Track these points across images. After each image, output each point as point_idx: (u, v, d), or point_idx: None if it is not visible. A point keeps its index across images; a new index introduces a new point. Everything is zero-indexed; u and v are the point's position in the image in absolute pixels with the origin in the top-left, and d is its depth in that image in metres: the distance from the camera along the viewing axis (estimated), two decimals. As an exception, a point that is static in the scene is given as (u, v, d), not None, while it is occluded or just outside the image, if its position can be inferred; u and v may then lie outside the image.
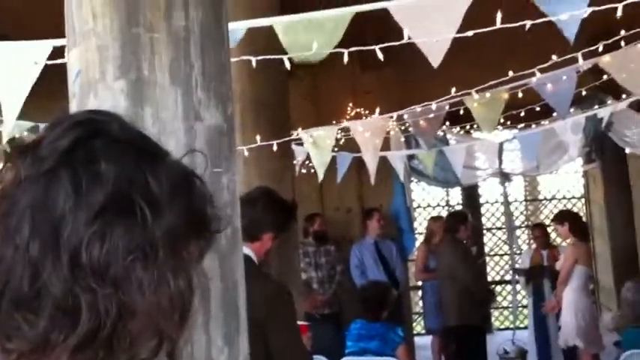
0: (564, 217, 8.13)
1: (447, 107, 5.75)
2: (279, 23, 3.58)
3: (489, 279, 12.48)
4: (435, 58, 3.31)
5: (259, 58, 3.63)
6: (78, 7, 1.92)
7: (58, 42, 3.39)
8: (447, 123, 8.45)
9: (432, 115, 5.84)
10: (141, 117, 1.89)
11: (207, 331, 1.96)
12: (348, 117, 8.86)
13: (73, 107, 1.94)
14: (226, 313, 2.01)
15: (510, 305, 11.76)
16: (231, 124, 2.11)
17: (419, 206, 12.67)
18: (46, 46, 3.68)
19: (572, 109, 7.99)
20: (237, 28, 3.52)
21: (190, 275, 0.86)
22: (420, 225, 11.93)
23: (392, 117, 6.41)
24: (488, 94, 4.89)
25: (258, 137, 5.02)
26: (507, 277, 12.19)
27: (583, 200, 12.83)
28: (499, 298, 12.43)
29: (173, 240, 0.83)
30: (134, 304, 0.80)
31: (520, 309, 11.96)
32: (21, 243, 0.79)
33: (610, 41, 4.18)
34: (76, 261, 0.78)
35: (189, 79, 1.95)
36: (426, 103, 5.74)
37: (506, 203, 10.44)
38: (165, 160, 0.88)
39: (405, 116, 6.22)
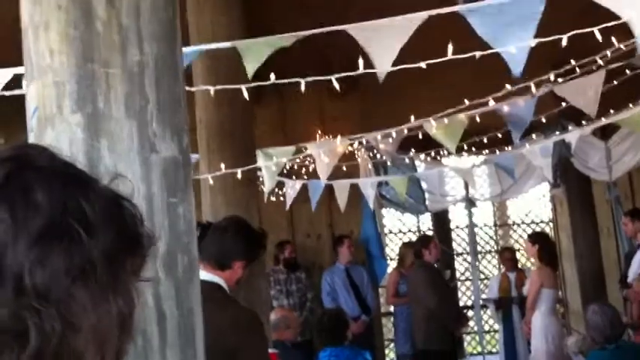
0: (538, 238, 8.22)
1: (405, 132, 5.87)
2: (240, 45, 3.61)
3: (460, 304, 12.53)
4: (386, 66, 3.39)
5: (218, 87, 3.69)
6: (35, 43, 1.98)
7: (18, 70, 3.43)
8: (413, 150, 8.55)
9: (390, 140, 5.94)
10: (97, 149, 1.95)
11: (164, 358, 2.00)
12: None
13: (32, 141, 1.99)
14: (183, 340, 2.04)
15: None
16: (187, 154, 2.16)
17: (390, 232, 12.74)
18: (6, 74, 3.72)
19: (534, 136, 8.15)
20: (194, 50, 3.55)
21: (129, 291, 0.90)
22: (393, 251, 11.98)
23: (352, 142, 6.51)
24: (446, 120, 5.00)
25: (222, 165, 5.07)
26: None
27: (551, 225, 12.98)
28: (471, 323, 12.50)
29: (110, 259, 0.87)
30: (78, 321, 0.83)
31: (492, 334, 12.01)
32: None
33: (562, 70, 4.30)
34: (20, 286, 0.81)
35: (144, 112, 2.00)
36: (385, 130, 5.86)
37: (472, 229, 10.51)
38: (95, 186, 0.92)
39: (364, 140, 6.32)
